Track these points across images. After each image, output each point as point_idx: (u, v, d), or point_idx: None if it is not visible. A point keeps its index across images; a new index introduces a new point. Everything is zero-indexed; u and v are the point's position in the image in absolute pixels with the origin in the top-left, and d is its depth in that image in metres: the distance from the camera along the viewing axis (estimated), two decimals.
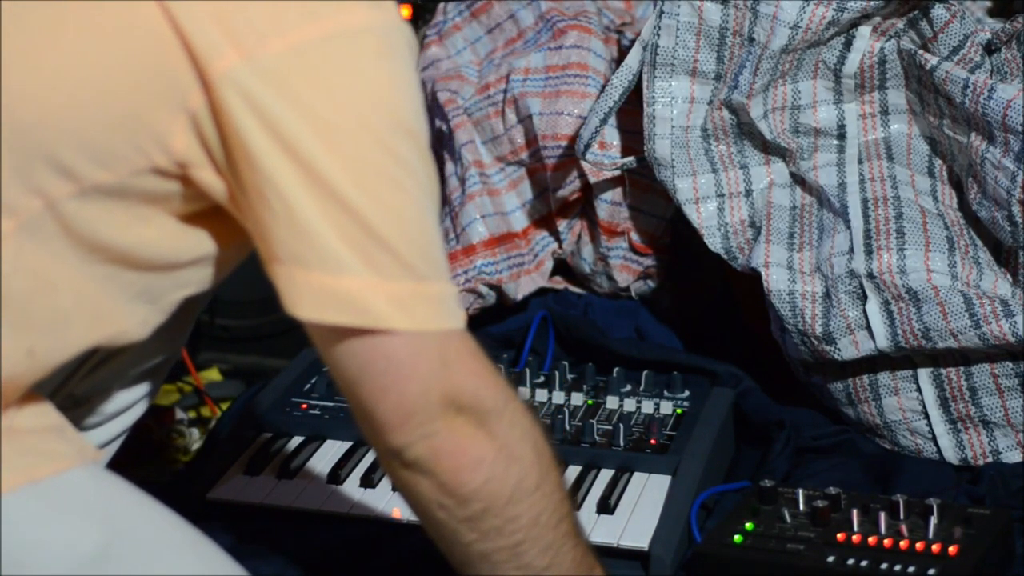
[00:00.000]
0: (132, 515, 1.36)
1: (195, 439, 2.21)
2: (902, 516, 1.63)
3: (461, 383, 1.32)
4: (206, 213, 1.35)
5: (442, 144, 2.31)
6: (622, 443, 1.84)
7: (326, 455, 1.86)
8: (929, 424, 1.96)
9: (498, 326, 2.23)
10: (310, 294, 1.28)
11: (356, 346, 1.30)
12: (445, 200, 2.28)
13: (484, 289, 2.20)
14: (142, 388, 1.72)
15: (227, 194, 1.31)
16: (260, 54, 1.25)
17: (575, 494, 1.76)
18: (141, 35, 1.26)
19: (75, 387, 1.61)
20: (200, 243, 1.37)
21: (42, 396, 1.38)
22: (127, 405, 1.71)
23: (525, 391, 1.95)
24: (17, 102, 1.27)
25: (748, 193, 2.04)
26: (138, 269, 1.35)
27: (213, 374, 2.45)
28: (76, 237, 1.31)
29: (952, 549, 1.57)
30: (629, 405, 1.92)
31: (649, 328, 2.20)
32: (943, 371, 1.94)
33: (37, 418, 1.35)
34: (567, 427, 1.87)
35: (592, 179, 2.17)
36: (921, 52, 1.96)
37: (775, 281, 1.96)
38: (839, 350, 1.92)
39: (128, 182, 1.29)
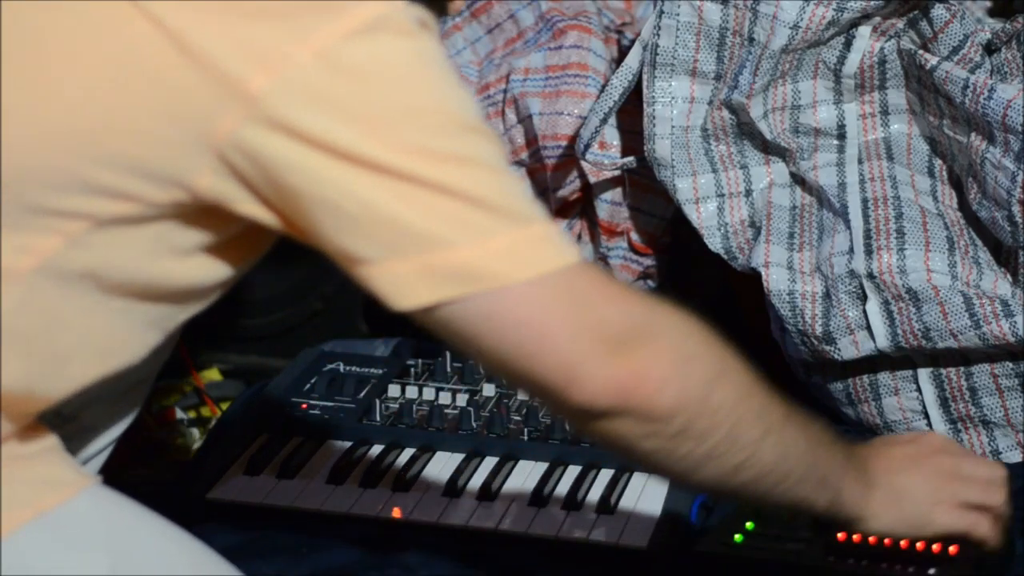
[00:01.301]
0: (136, 535, 1.34)
1: (195, 439, 2.21)
2: None
3: (607, 313, 1.28)
4: (231, 239, 1.32)
5: None
6: None
7: (327, 455, 1.86)
8: (929, 424, 1.96)
9: None
10: (418, 279, 1.24)
11: (485, 325, 1.26)
12: None
13: None
14: (129, 400, 1.71)
15: (280, 220, 1.27)
16: (289, 70, 1.21)
17: (575, 494, 1.76)
18: (152, 68, 1.22)
19: (63, 405, 1.60)
20: (221, 267, 1.34)
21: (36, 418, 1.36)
22: (116, 416, 1.70)
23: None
24: (26, 142, 1.23)
25: (748, 193, 2.04)
26: (156, 301, 1.33)
27: (213, 374, 2.45)
28: (97, 274, 1.27)
29: (952, 549, 1.57)
30: None
31: None
32: (943, 371, 1.94)
33: (34, 442, 1.33)
34: (567, 427, 1.87)
35: (592, 179, 2.17)
36: (921, 52, 1.96)
37: (775, 281, 1.96)
38: (839, 350, 1.92)
39: (148, 213, 1.26)
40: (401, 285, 1.25)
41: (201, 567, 1.35)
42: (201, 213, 1.28)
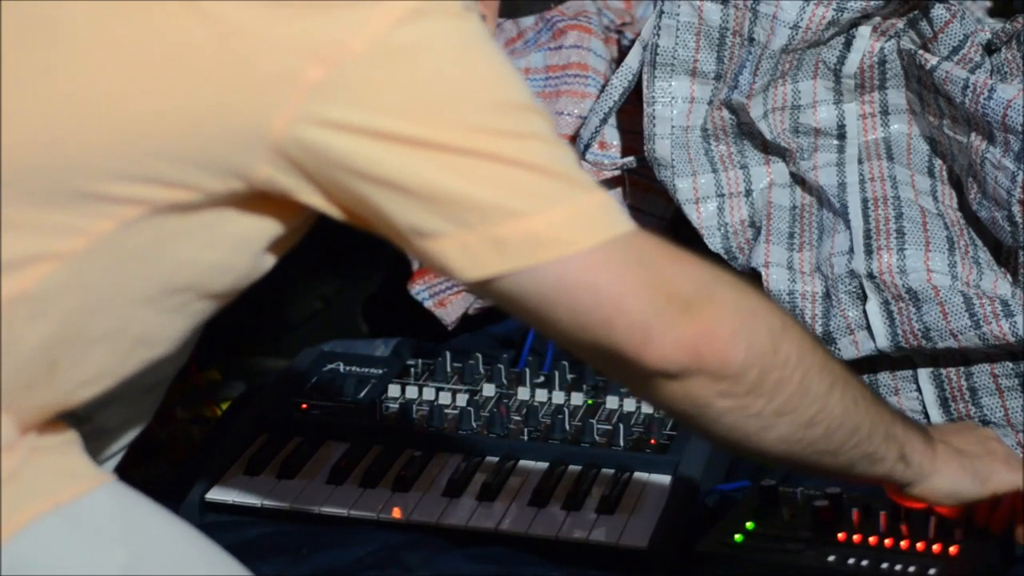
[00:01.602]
0: (152, 533, 1.34)
1: (195, 439, 2.21)
2: (903, 516, 1.63)
3: (672, 274, 1.29)
4: (288, 230, 1.33)
5: None
6: (622, 443, 1.84)
7: (326, 455, 1.86)
8: (929, 424, 1.95)
9: (498, 326, 2.23)
10: (487, 250, 1.25)
11: (557, 293, 1.27)
12: None
13: None
14: (146, 402, 1.71)
15: (339, 210, 1.28)
16: (345, 61, 1.22)
17: (575, 494, 1.76)
18: (205, 64, 1.23)
19: (78, 405, 1.61)
20: (267, 258, 1.35)
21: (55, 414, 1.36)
22: (131, 419, 1.71)
23: (525, 391, 1.95)
24: (78, 132, 1.24)
25: (748, 193, 2.04)
26: (200, 294, 1.33)
27: (213, 374, 2.45)
28: (148, 259, 1.28)
29: (953, 549, 1.57)
30: (629, 405, 1.92)
31: None
32: (943, 371, 1.94)
33: (55, 436, 1.34)
34: (567, 427, 1.87)
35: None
36: (921, 52, 1.96)
37: (775, 281, 1.96)
38: (839, 350, 1.92)
39: (204, 201, 1.27)
40: (471, 256, 1.26)
41: (215, 567, 1.36)
42: (258, 201, 1.29)
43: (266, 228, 1.31)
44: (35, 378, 1.29)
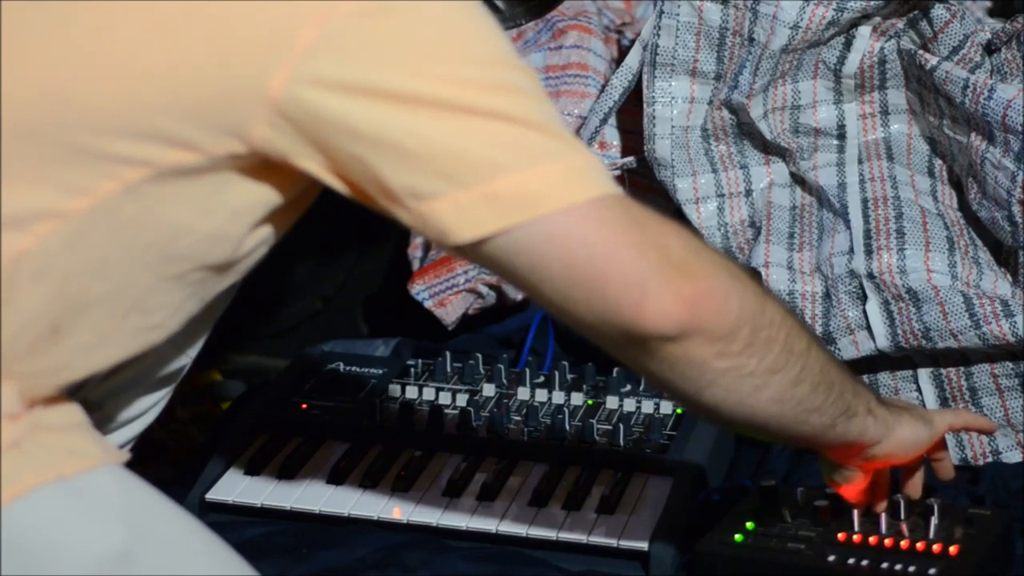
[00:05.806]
0: (153, 516, 1.35)
1: (195, 439, 2.21)
2: (903, 516, 1.63)
3: (662, 235, 1.30)
4: (286, 201, 1.34)
5: None
6: (622, 443, 1.84)
7: (326, 455, 1.86)
8: None
9: (498, 326, 2.23)
10: (482, 208, 1.25)
11: (550, 248, 1.27)
12: None
13: (484, 289, 2.20)
14: (156, 394, 1.72)
15: (337, 178, 1.29)
16: (335, 19, 1.23)
17: (575, 494, 1.76)
18: (206, 19, 1.25)
19: (90, 392, 1.61)
20: (266, 231, 1.36)
21: (66, 397, 1.37)
22: (141, 411, 1.71)
23: (525, 391, 1.95)
24: (85, 85, 1.25)
25: (748, 193, 2.04)
26: (199, 266, 1.34)
27: (213, 374, 2.45)
28: (149, 226, 1.29)
29: (953, 549, 1.57)
30: (629, 405, 1.92)
31: None
32: (943, 371, 1.94)
33: (63, 416, 1.34)
34: (567, 427, 1.87)
35: None
36: (921, 52, 1.96)
37: (775, 281, 1.96)
38: (839, 350, 1.92)
39: (205, 165, 1.28)
40: (465, 216, 1.26)
41: (214, 555, 1.36)
42: (257, 169, 1.30)
43: (264, 197, 1.32)
44: (36, 343, 1.30)
